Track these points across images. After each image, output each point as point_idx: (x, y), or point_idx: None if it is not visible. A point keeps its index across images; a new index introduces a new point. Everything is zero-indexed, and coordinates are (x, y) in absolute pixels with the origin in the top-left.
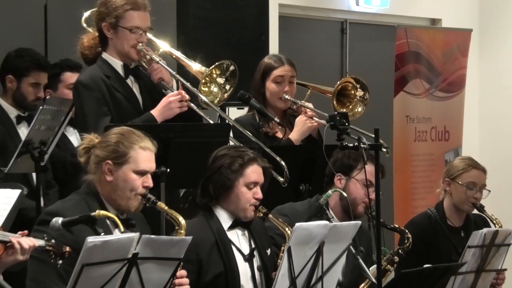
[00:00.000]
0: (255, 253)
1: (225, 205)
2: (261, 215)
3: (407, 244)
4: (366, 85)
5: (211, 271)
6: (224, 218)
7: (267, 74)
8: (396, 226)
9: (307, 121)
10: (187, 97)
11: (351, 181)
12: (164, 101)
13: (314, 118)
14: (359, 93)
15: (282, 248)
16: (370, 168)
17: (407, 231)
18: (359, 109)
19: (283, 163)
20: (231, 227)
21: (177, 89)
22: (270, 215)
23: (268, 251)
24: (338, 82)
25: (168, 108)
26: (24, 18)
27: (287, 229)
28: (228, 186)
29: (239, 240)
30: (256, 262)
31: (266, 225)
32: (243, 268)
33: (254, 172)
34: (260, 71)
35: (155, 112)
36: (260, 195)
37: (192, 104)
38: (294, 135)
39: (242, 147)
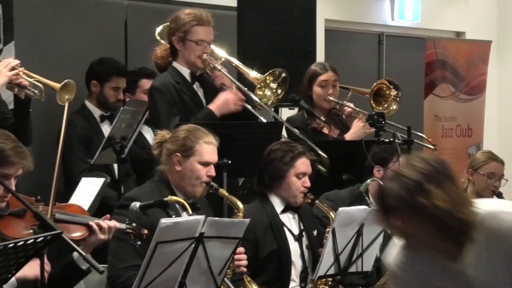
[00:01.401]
0: (304, 233)
1: (278, 192)
2: (309, 201)
3: None
4: (398, 85)
5: (266, 248)
6: (277, 203)
7: (314, 79)
8: None
9: (364, 127)
10: (243, 97)
11: (388, 172)
12: (222, 98)
13: (367, 125)
14: (393, 92)
15: (327, 229)
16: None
17: None
18: (394, 107)
19: (325, 156)
20: (283, 211)
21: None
22: (317, 201)
23: (315, 232)
24: (374, 84)
25: (227, 106)
26: (107, 32)
27: (331, 213)
28: (280, 176)
29: (290, 222)
30: (304, 241)
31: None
32: (294, 246)
33: (303, 164)
34: (308, 77)
35: (213, 107)
36: (308, 183)
37: (247, 105)
38: (349, 137)
39: (292, 142)
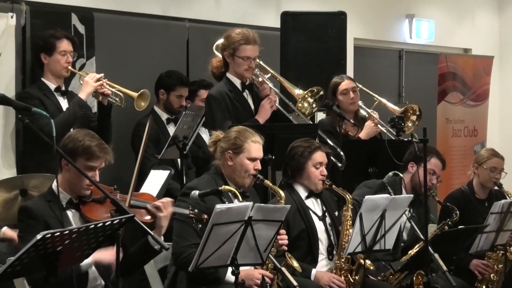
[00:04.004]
0: (326, 214)
1: (300, 181)
2: (327, 186)
3: (455, 218)
4: (421, 115)
5: (296, 228)
6: (301, 191)
7: (336, 90)
8: (448, 204)
9: (374, 127)
10: (274, 98)
11: (420, 169)
12: (261, 107)
13: (378, 125)
14: (413, 118)
15: (345, 207)
16: (435, 161)
17: (456, 208)
18: (409, 125)
19: (342, 153)
20: (307, 197)
21: (279, 103)
22: (334, 186)
23: (336, 213)
24: (407, 105)
25: (265, 110)
26: (172, 49)
27: (347, 195)
28: (301, 168)
29: (314, 206)
30: (327, 220)
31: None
32: (319, 225)
33: (319, 156)
34: (331, 89)
35: (259, 118)
36: (325, 172)
37: (284, 112)
38: (363, 135)
39: (310, 140)
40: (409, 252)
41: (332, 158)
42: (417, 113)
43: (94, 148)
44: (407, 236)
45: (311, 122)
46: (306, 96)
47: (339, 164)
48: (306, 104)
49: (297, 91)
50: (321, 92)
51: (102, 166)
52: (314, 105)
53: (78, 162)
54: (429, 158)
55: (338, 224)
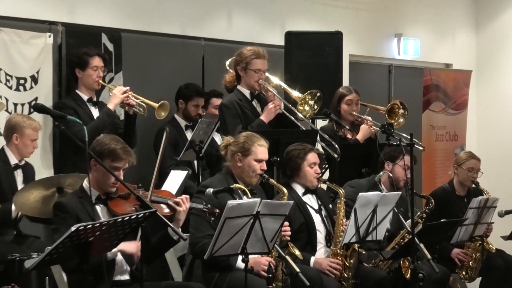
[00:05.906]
0: (322, 207)
1: (298, 180)
2: (322, 182)
3: (431, 206)
4: (406, 107)
5: (296, 222)
6: (299, 189)
7: (342, 99)
8: (424, 194)
9: (368, 128)
10: (277, 102)
11: (396, 166)
12: (266, 109)
13: (373, 126)
14: (402, 111)
15: (338, 200)
16: (407, 158)
17: (431, 198)
18: (401, 121)
19: (336, 145)
20: (304, 194)
21: (284, 108)
22: (327, 182)
23: (330, 206)
24: (390, 103)
25: (269, 113)
26: (189, 64)
27: (340, 190)
28: (298, 168)
29: (310, 201)
30: (323, 213)
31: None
32: (316, 217)
33: (312, 157)
34: (337, 97)
35: (262, 117)
36: (318, 170)
37: (291, 116)
38: (360, 137)
39: (304, 144)
40: (394, 240)
41: (328, 149)
42: (401, 106)
43: (119, 151)
44: (390, 225)
45: (312, 124)
46: (307, 99)
47: (335, 155)
48: (307, 108)
49: (295, 94)
50: (318, 94)
51: (126, 167)
52: (315, 106)
53: (104, 163)
54: (402, 156)
55: (333, 215)
